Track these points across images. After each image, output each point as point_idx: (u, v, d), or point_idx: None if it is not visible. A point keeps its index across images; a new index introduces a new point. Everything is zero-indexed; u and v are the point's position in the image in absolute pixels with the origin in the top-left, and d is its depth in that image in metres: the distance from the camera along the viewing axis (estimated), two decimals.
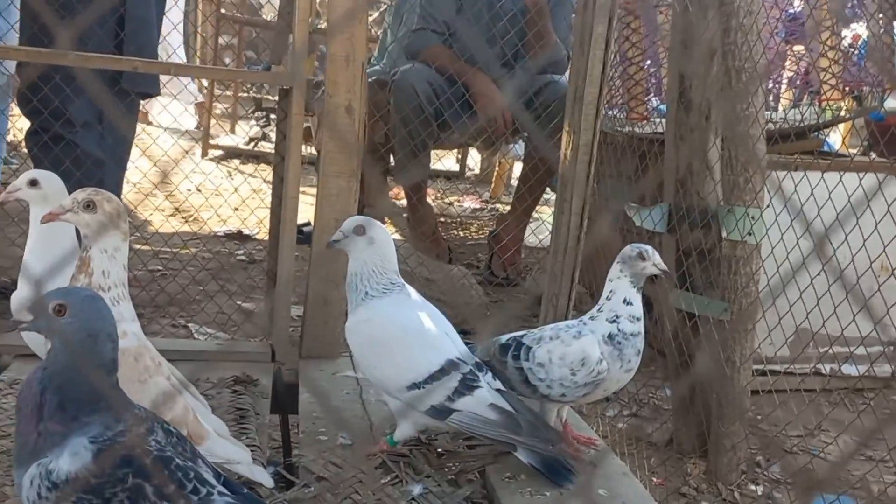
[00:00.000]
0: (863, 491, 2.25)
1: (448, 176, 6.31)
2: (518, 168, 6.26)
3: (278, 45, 2.37)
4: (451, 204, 5.56)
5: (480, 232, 5.03)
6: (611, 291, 1.72)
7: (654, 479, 2.32)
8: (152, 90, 3.01)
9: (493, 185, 5.89)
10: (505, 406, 1.60)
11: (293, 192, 2.11)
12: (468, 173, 6.50)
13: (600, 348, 1.68)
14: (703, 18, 2.38)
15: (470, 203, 5.65)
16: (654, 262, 1.70)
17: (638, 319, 1.71)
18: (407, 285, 1.72)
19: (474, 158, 6.65)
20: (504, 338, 1.79)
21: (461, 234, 5.05)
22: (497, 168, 5.84)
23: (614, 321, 1.70)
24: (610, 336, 1.68)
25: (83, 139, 2.82)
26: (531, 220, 4.18)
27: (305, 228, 4.33)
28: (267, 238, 4.23)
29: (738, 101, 2.28)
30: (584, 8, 2.17)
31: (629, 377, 1.74)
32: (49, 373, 1.01)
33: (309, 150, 6.55)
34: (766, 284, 2.35)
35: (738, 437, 2.36)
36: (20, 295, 1.62)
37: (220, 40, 7.12)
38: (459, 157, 6.44)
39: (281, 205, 2.18)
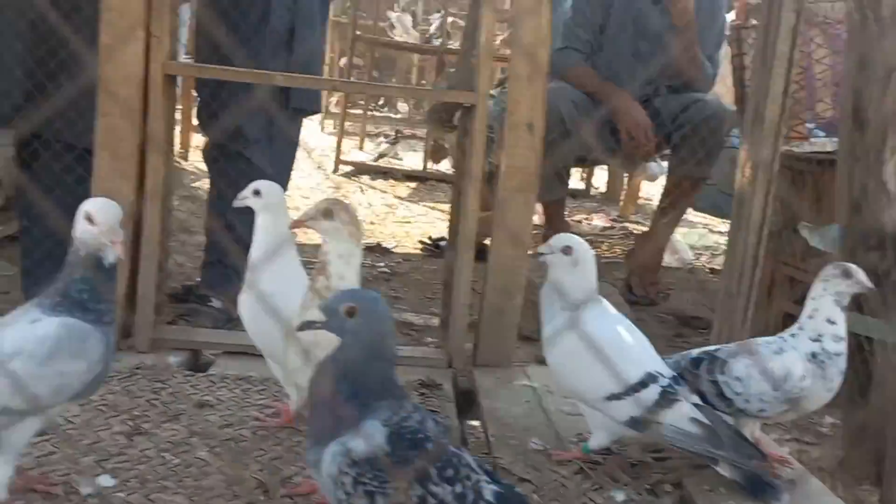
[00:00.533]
0: None
1: (573, 194, 6.32)
2: (647, 187, 6.26)
3: (462, 67, 2.48)
4: (579, 222, 5.58)
5: (611, 251, 5.03)
6: (813, 310, 1.73)
7: None
8: (316, 108, 3.17)
9: (622, 204, 5.89)
10: (705, 420, 1.63)
11: (473, 206, 2.21)
12: (593, 191, 6.51)
13: (804, 366, 1.69)
14: (882, 35, 2.37)
15: (599, 221, 5.67)
16: (859, 279, 1.70)
17: (842, 339, 1.71)
18: (602, 299, 1.77)
19: (599, 176, 6.66)
20: (695, 352, 1.82)
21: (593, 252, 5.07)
22: (627, 187, 5.83)
23: (818, 340, 1.71)
24: (814, 354, 1.69)
25: (255, 155, 2.99)
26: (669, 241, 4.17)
27: (441, 243, 4.46)
28: (405, 252, 4.39)
29: None
30: (768, 26, 2.19)
31: (830, 396, 1.74)
32: (341, 366, 1.12)
33: (433, 167, 6.72)
34: None
35: None
36: (246, 298, 1.77)
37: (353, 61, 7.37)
38: (584, 175, 6.46)
39: (460, 218, 2.27)
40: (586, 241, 5.47)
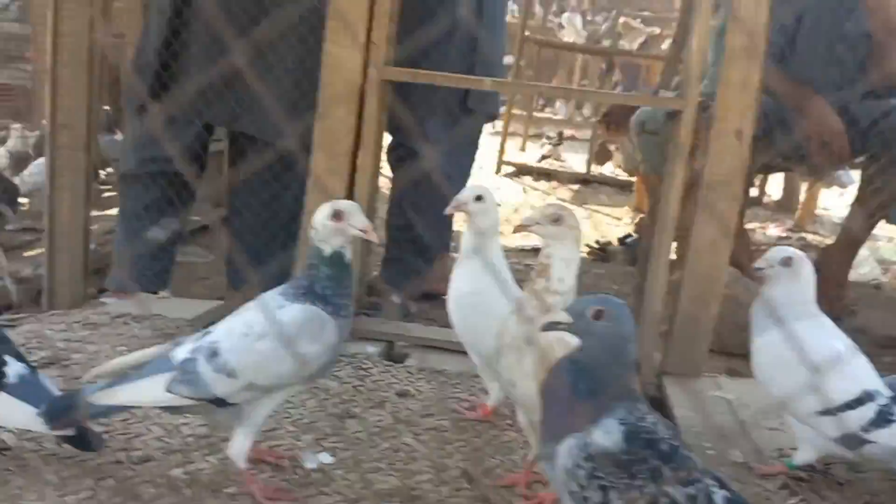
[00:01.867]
0: None
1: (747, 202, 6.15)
2: (826, 197, 5.98)
3: (669, 70, 2.48)
4: (753, 230, 5.40)
5: None
6: None
7: None
8: (495, 110, 3.24)
9: (798, 213, 5.66)
10: None
11: (674, 212, 2.20)
12: (766, 199, 6.29)
13: None
14: None
15: (775, 230, 5.47)
16: None
17: None
18: (820, 314, 1.74)
19: (774, 185, 6.42)
20: None
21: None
22: (806, 195, 5.60)
23: None
24: None
25: (429, 153, 3.09)
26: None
27: (628, 240, 4.44)
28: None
29: None
30: None
31: None
32: (581, 365, 1.17)
33: (597, 169, 6.68)
34: None
35: None
36: (455, 294, 1.85)
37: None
38: (759, 182, 6.24)
39: (658, 221, 2.27)
40: (763, 250, 5.32)
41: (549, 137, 7.24)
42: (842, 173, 4.46)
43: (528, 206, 5.59)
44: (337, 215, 1.47)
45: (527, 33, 6.55)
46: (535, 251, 4.42)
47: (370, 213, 2.30)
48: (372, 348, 2.26)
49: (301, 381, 1.50)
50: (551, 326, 1.20)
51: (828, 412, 1.63)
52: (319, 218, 1.48)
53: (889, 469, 1.63)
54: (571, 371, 1.17)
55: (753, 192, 6.30)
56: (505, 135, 6.77)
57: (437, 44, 2.92)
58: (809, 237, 5.40)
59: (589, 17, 8.53)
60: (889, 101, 3.65)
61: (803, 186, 5.70)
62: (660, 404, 2.18)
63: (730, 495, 1.15)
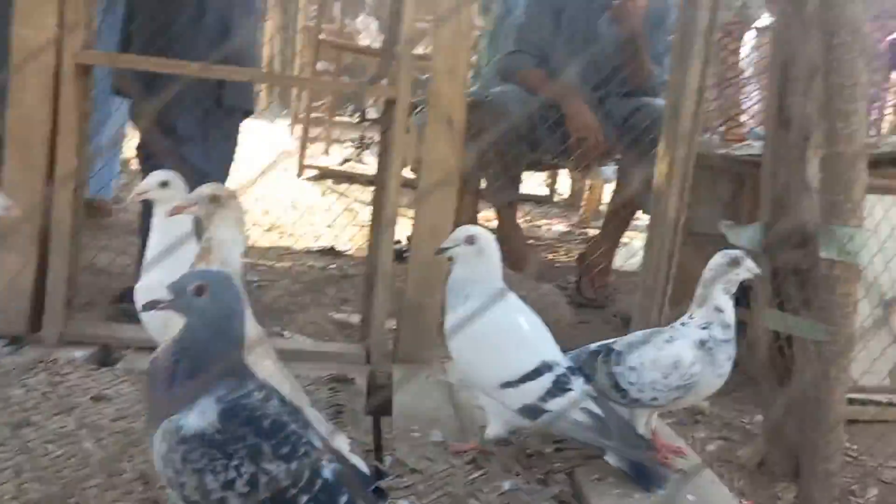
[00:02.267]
0: None
1: (538, 200, 6.37)
2: (609, 192, 6.27)
3: (384, 59, 2.49)
4: (539, 227, 5.60)
5: (569, 255, 5.05)
6: (703, 298, 1.75)
7: (744, 502, 2.30)
8: (252, 106, 3.13)
9: (583, 210, 5.91)
10: (596, 410, 1.65)
11: (394, 199, 2.21)
12: (557, 198, 6.54)
13: (693, 353, 1.71)
14: (805, 36, 2.39)
15: (560, 226, 5.69)
16: (747, 266, 1.72)
17: (729, 326, 1.74)
18: (509, 290, 1.79)
19: (564, 183, 6.68)
20: (593, 345, 1.84)
21: (550, 257, 5.09)
22: (588, 192, 5.85)
23: (706, 328, 1.73)
24: (702, 342, 1.72)
25: (190, 153, 2.96)
26: (621, 244, 4.18)
27: (398, 247, 4.46)
28: (359, 255, 4.38)
29: (839, 120, 2.27)
30: (684, 24, 2.21)
31: (720, 383, 1.76)
32: (183, 345, 1.12)
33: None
34: (870, 314, 2.31)
35: (834, 464, 2.32)
36: (144, 284, 1.75)
37: (319, 66, 7.37)
38: (549, 181, 6.48)
39: (381, 212, 2.27)
40: (544, 245, 5.49)
41: (352, 141, 7.23)
42: (606, 169, 4.68)
43: (325, 208, 5.56)
44: None
45: (322, 36, 6.50)
46: (333, 252, 4.40)
47: (76, 209, 2.16)
48: (79, 353, 2.12)
49: None
50: (151, 305, 1.15)
51: (509, 384, 1.68)
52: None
53: (569, 437, 1.69)
54: (175, 352, 1.12)
55: (544, 190, 6.56)
56: (305, 138, 6.69)
57: (183, 33, 2.80)
58: (592, 231, 5.65)
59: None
60: (640, 98, 3.86)
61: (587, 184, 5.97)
62: (387, 391, 2.18)
63: (340, 468, 1.13)
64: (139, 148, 3.06)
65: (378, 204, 2.39)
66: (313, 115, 7.24)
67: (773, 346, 2.43)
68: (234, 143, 3.26)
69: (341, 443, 1.59)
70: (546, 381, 1.67)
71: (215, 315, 1.12)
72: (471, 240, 1.75)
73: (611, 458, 1.65)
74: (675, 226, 2.22)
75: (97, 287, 2.96)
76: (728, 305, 1.75)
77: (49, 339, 2.12)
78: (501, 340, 1.70)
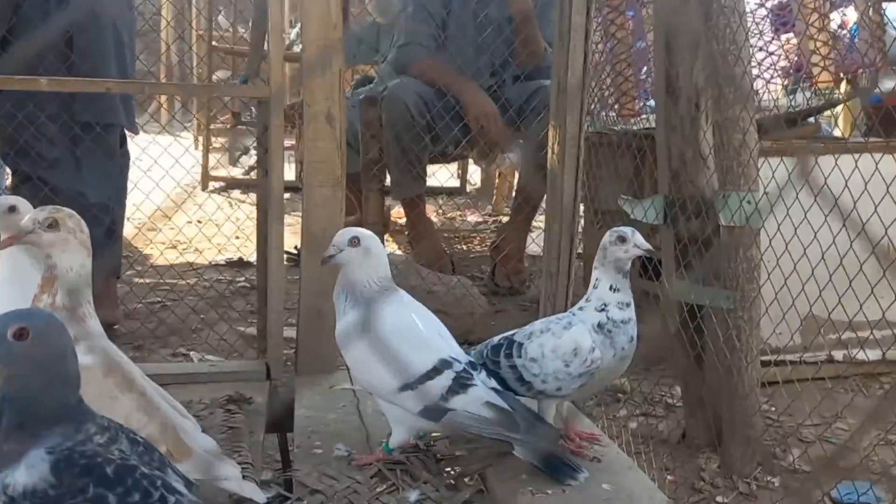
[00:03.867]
0: (884, 476, 2.17)
1: (449, 192, 6.28)
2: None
3: (253, 59, 2.35)
4: (452, 219, 5.52)
5: (483, 245, 4.98)
6: (596, 279, 1.68)
7: (668, 477, 2.25)
8: (114, 119, 2.91)
9: (494, 199, 5.85)
10: (501, 404, 1.56)
11: (278, 200, 2.08)
12: (469, 188, 6.47)
13: (591, 337, 1.63)
14: (685, 5, 2.35)
15: (472, 217, 5.61)
16: (636, 242, 1.64)
17: (627, 306, 1.66)
18: (399, 289, 1.69)
19: (476, 173, 6.61)
20: (496, 339, 1.75)
21: (464, 247, 5.01)
22: (498, 181, 5.80)
23: (603, 309, 1.65)
24: (599, 325, 1.64)
25: (53, 176, 2.76)
26: (532, 229, 4.13)
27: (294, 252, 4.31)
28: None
29: (726, 85, 2.23)
30: (562, 0, 2.14)
31: (624, 366, 1.69)
32: (7, 396, 0.96)
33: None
34: (768, 276, 2.28)
35: (753, 428, 2.29)
36: None
37: (218, 74, 7.14)
38: (460, 171, 6.40)
39: (267, 219, 2.14)
40: (459, 237, 5.40)
41: (255, 149, 7.01)
42: (513, 155, 4.62)
43: (231, 220, 5.36)
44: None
45: (214, 43, 6.28)
46: (241, 264, 4.22)
47: None
48: None
49: None
50: None
51: (408, 386, 1.58)
52: None
53: (475, 435, 1.59)
54: (1, 405, 0.96)
55: (455, 182, 6.48)
56: (207, 148, 6.46)
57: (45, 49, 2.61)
58: (506, 220, 5.58)
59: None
60: (538, 81, 3.80)
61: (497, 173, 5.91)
62: (289, 406, 2.05)
63: None
64: (12, 175, 2.86)
65: (262, 210, 2.25)
66: (216, 125, 7.01)
67: (683, 316, 2.39)
68: (113, 161, 3.05)
69: (230, 470, 1.46)
70: (445, 379, 1.57)
71: (41, 359, 0.97)
72: (355, 241, 1.65)
73: (520, 453, 1.56)
74: (572, 206, 2.14)
75: None
76: (623, 284, 1.66)
77: None
78: (396, 342, 1.58)
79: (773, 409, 2.65)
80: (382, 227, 4.22)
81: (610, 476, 1.60)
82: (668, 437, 2.47)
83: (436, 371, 1.58)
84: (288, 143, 5.77)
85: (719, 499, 2.16)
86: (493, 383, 1.62)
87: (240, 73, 4.92)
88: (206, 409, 1.92)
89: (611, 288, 1.65)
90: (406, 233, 4.29)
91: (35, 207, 2.42)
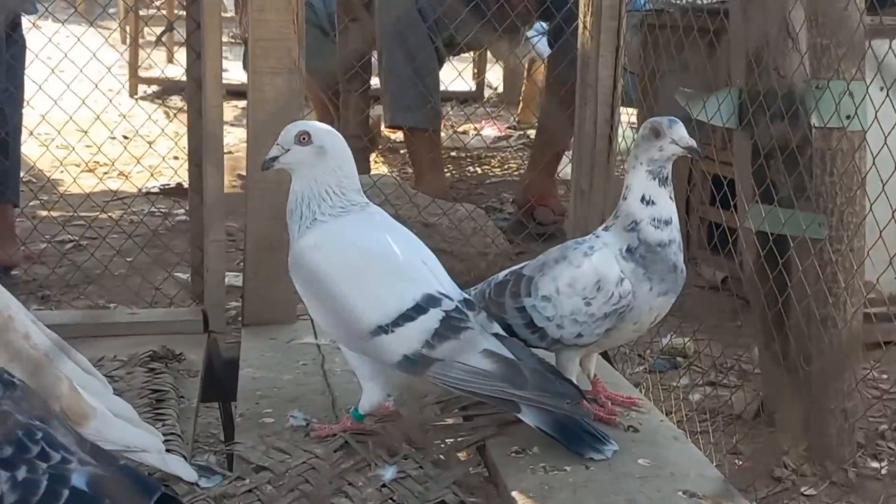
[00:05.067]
0: None
1: (463, 98, 6.23)
2: None
3: None
4: (465, 133, 5.50)
5: (504, 167, 5.00)
6: (626, 188, 1.65)
7: (738, 462, 2.29)
8: (20, 7, 2.93)
9: (520, 107, 5.84)
10: (504, 353, 1.56)
11: (215, 99, 2.10)
12: (488, 93, 6.45)
13: (619, 265, 1.60)
14: None
15: (491, 131, 5.62)
16: (674, 137, 1.59)
17: (666, 224, 1.61)
18: (371, 204, 1.70)
19: (495, 73, 6.58)
20: (501, 274, 1.76)
21: (479, 170, 5.03)
22: (526, 80, 5.77)
23: (633, 229, 1.62)
24: (629, 249, 1.61)
25: None
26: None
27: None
28: None
29: None
30: None
31: (667, 305, 1.67)
32: None
33: None
34: (877, 197, 2.25)
35: (853, 400, 2.32)
36: None
37: None
38: (475, 70, 6.36)
39: (204, 120, 2.16)
40: (472, 157, 5.41)
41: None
42: (537, 41, 4.59)
43: (168, 134, 5.38)
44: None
45: None
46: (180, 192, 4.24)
47: None
48: None
49: None
50: None
51: (382, 329, 1.57)
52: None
53: (469, 393, 1.61)
54: None
55: (464, 85, 6.44)
56: (136, 44, 6.48)
57: None
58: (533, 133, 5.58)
59: None
60: None
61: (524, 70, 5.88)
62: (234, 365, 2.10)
63: (98, 473, 1.04)
64: None
65: (194, 116, 2.27)
66: (148, 11, 7.02)
67: (763, 252, 2.40)
68: (11, 57, 3.08)
69: (149, 440, 1.50)
70: (431, 319, 1.56)
71: None
72: (304, 137, 1.62)
73: (527, 417, 1.57)
74: (610, 101, 2.15)
75: None
76: (659, 194, 1.62)
77: None
78: (365, 270, 1.60)
79: (885, 376, 2.67)
80: (368, 142, 4.24)
81: (649, 448, 1.63)
82: (742, 413, 2.51)
83: (419, 309, 1.56)
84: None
85: (806, 490, 2.20)
86: (496, 328, 1.63)
87: None
88: (122, 367, 1.96)
89: (643, 199, 1.62)
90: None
91: None
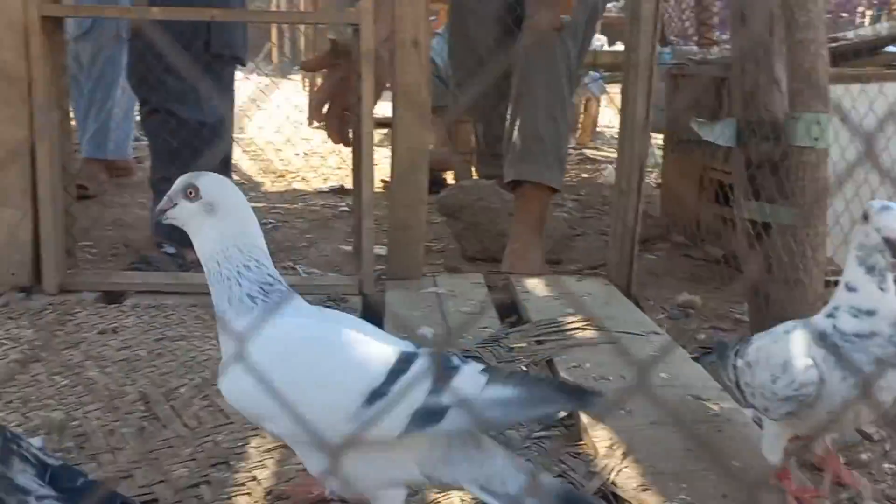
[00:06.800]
0: None
1: None
2: (606, 113, 6.08)
3: None
4: None
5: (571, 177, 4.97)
6: (844, 272, 1.20)
7: None
8: (241, 54, 3.01)
9: (579, 132, 5.78)
10: (505, 379, 1.03)
11: (368, 128, 2.15)
12: None
13: (811, 350, 1.17)
14: None
15: None
16: (878, 226, 1.13)
17: (868, 314, 1.14)
18: (294, 295, 1.11)
19: None
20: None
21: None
22: (584, 114, 5.70)
23: (831, 314, 1.18)
24: (822, 335, 1.16)
25: (182, 108, 2.88)
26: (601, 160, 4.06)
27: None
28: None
29: (797, 8, 2.17)
30: None
31: (879, 403, 1.18)
32: None
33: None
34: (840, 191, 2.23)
35: None
36: None
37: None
38: None
39: (361, 143, 2.22)
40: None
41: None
42: (594, 84, 4.54)
43: (337, 152, 5.51)
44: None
45: None
46: (343, 191, 4.35)
47: (63, 159, 2.11)
48: (88, 294, 2.10)
49: None
50: None
51: (377, 394, 1.02)
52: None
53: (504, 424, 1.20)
54: None
55: None
56: (313, 86, 6.59)
57: None
58: (590, 153, 5.53)
59: None
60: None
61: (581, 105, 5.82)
62: (383, 307, 2.16)
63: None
64: (140, 110, 3.00)
65: (356, 136, 2.33)
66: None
67: (752, 235, 2.38)
68: (230, 95, 3.18)
69: None
70: (420, 369, 1.02)
71: None
72: (191, 192, 1.08)
73: None
74: (643, 127, 2.15)
75: (121, 239, 2.97)
76: (865, 283, 1.15)
77: (49, 287, 2.08)
78: (339, 342, 1.06)
79: None
80: (469, 155, 4.25)
81: (665, 366, 1.64)
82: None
83: (404, 362, 1.03)
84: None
85: None
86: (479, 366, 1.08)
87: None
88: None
89: (847, 286, 1.17)
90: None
91: (162, 139, 2.57)
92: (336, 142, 2.39)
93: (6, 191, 2.03)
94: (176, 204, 1.09)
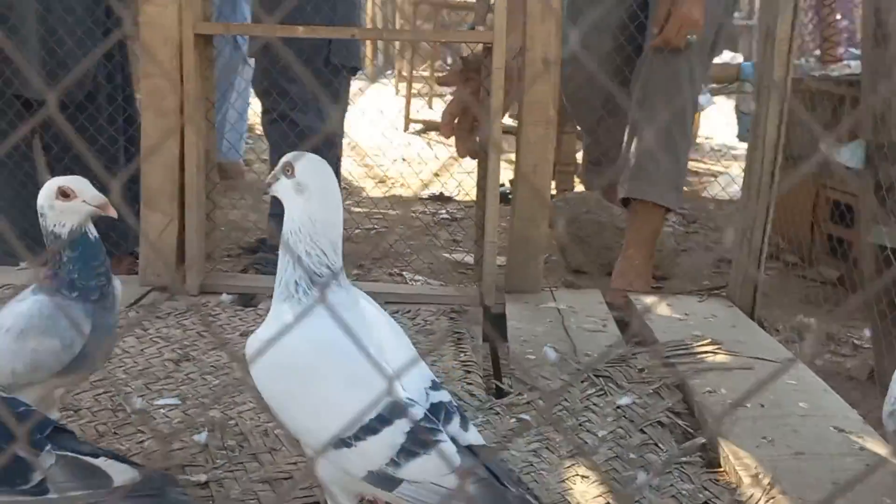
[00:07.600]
0: None
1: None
2: (707, 124, 5.96)
3: (480, 7, 2.46)
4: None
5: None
6: None
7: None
8: (358, 64, 3.13)
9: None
10: (482, 473, 1.03)
11: (497, 140, 2.19)
12: None
13: None
14: None
15: None
16: None
17: None
18: (349, 286, 1.16)
19: None
20: None
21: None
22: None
23: None
24: None
25: (304, 117, 2.99)
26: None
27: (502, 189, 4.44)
28: (467, 199, 4.40)
29: None
30: None
31: None
32: None
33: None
34: None
35: None
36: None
37: (417, 24, 7.33)
38: None
39: (487, 156, 2.26)
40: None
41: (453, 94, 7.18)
42: (702, 97, 4.47)
43: (431, 158, 5.58)
44: (65, 193, 1.24)
45: None
46: (442, 199, 4.42)
47: (208, 168, 2.24)
48: (227, 296, 2.21)
49: (46, 378, 1.27)
50: None
51: (343, 443, 1.03)
52: (44, 199, 1.25)
53: None
54: None
55: None
56: (409, 93, 6.71)
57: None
58: (692, 166, 5.45)
59: None
60: None
61: None
62: (502, 320, 2.19)
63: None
64: (262, 114, 3.14)
65: (483, 147, 2.38)
66: (415, 71, 7.25)
67: (879, 260, 2.32)
68: (345, 103, 3.29)
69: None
70: (396, 433, 1.03)
71: None
72: (288, 168, 1.13)
73: None
74: (774, 148, 2.12)
75: (233, 240, 3.10)
76: None
77: (191, 288, 2.20)
78: (321, 374, 1.07)
79: None
80: (574, 167, 4.25)
81: (807, 397, 1.62)
82: (856, 374, 2.43)
83: (382, 421, 1.03)
84: None
85: None
86: (475, 435, 1.09)
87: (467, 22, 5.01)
88: (432, 315, 2.10)
89: None
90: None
91: (286, 146, 2.68)
92: (462, 155, 2.42)
93: (156, 197, 2.15)
94: (278, 179, 1.15)
